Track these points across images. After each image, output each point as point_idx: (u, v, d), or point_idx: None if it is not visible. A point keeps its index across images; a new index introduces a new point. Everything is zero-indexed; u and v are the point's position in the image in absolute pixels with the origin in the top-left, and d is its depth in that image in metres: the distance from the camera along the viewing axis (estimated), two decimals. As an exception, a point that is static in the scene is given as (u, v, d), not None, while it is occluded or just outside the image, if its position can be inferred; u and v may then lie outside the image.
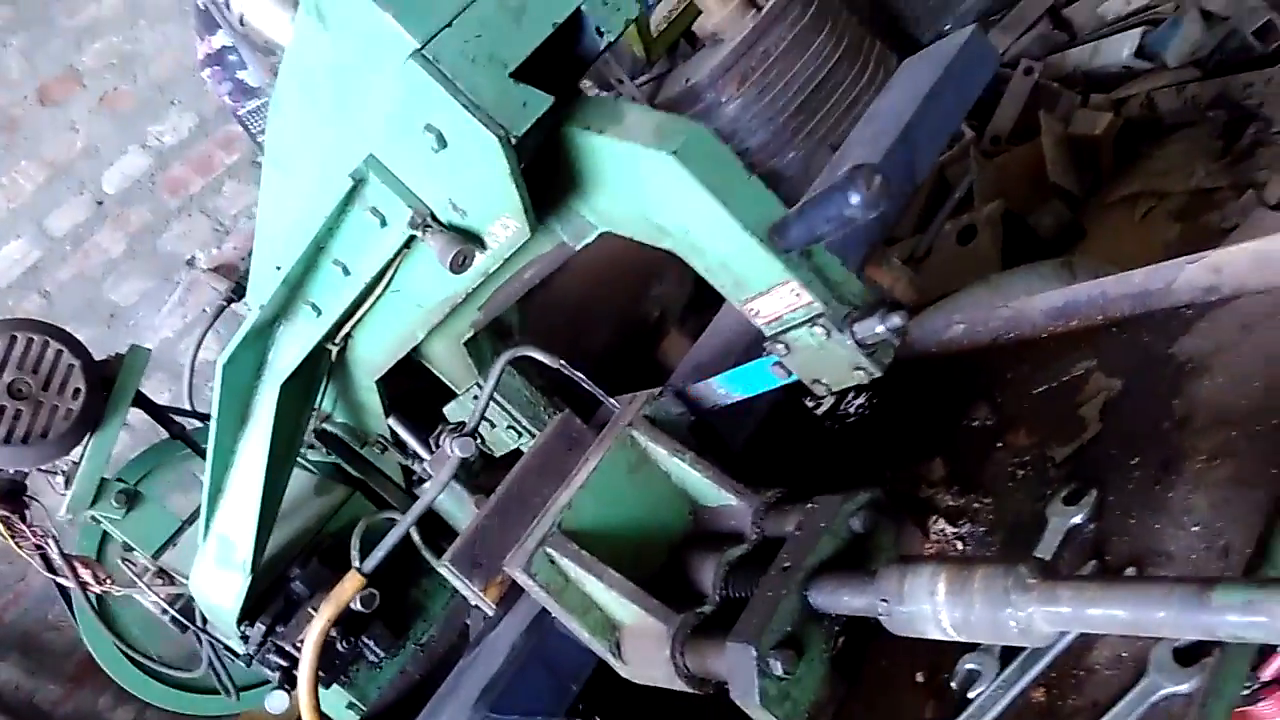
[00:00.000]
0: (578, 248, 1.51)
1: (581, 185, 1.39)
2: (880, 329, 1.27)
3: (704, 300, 3.40)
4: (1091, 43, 3.81)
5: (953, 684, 1.36)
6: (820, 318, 1.30)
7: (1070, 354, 1.61)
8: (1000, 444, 1.60)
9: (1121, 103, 3.49)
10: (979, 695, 1.32)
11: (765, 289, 1.32)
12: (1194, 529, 1.25)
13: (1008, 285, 2.72)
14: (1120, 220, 3.09)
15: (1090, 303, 1.60)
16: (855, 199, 1.12)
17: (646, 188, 1.31)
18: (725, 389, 1.60)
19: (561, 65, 1.32)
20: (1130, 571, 1.27)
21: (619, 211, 1.40)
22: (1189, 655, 1.13)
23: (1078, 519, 1.37)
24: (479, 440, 1.79)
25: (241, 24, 1.52)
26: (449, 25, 1.17)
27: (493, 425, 1.93)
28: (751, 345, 1.89)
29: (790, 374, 1.43)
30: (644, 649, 1.39)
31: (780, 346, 1.39)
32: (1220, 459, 1.29)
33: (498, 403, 1.87)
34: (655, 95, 3.79)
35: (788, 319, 1.34)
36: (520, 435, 1.95)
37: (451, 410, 1.97)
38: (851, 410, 1.90)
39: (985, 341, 1.76)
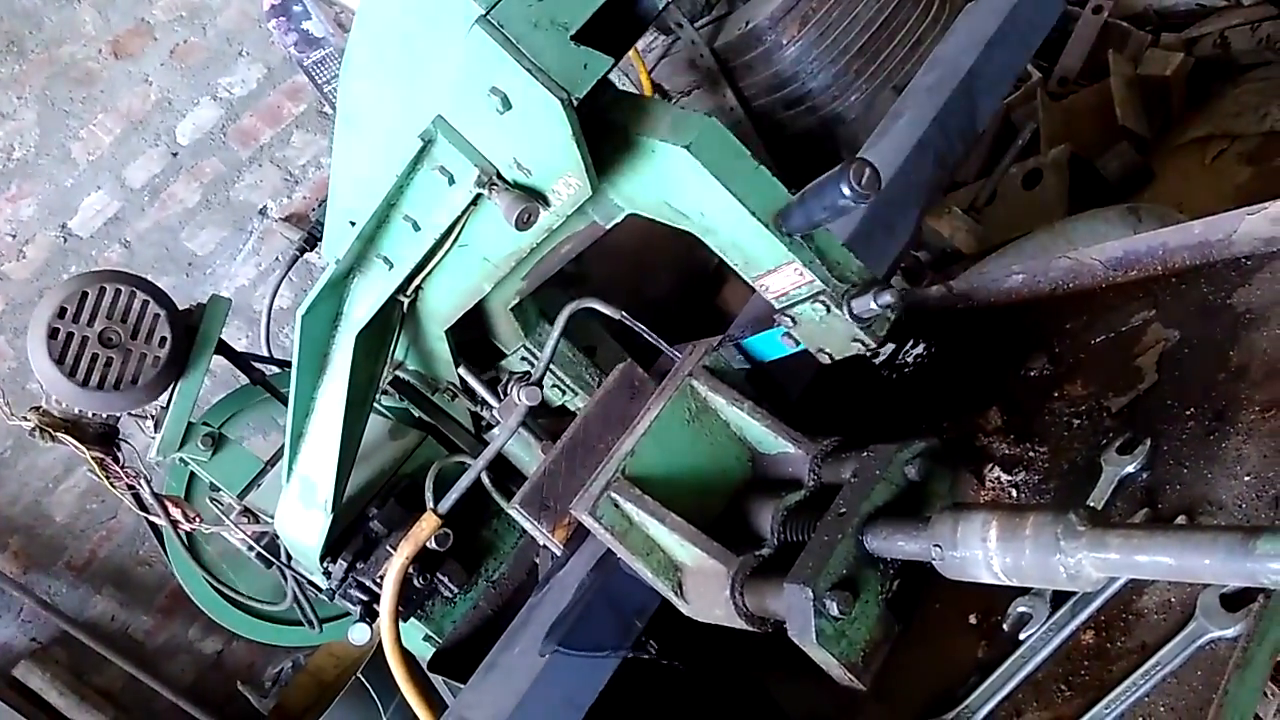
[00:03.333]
0: (608, 227, 1.62)
1: (610, 173, 1.47)
2: (873, 306, 1.41)
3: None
4: (1164, -22, 3.69)
5: (1005, 626, 1.40)
6: (821, 294, 1.44)
7: (1129, 304, 1.62)
8: (1057, 393, 1.62)
9: (1193, 42, 3.37)
10: (1030, 637, 1.36)
11: (772, 267, 1.46)
12: (1246, 479, 1.26)
13: (1073, 231, 2.68)
14: (1190, 163, 3.02)
15: (1150, 253, 1.60)
16: (847, 191, 1.25)
17: (665, 177, 1.43)
18: (742, 355, 1.73)
19: (621, 25, 1.35)
20: (1181, 520, 1.29)
21: (642, 197, 1.51)
22: (1236, 601, 1.16)
23: (1131, 468, 1.39)
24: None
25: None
26: (513, -10, 1.22)
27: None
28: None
29: (798, 343, 1.57)
30: (705, 589, 1.45)
31: (788, 319, 1.52)
32: (1275, 409, 1.30)
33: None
34: (715, 38, 3.76)
35: (793, 295, 1.48)
36: (564, 393, 2.03)
37: (505, 365, 2.04)
38: (909, 359, 1.92)
39: (1044, 291, 1.77)
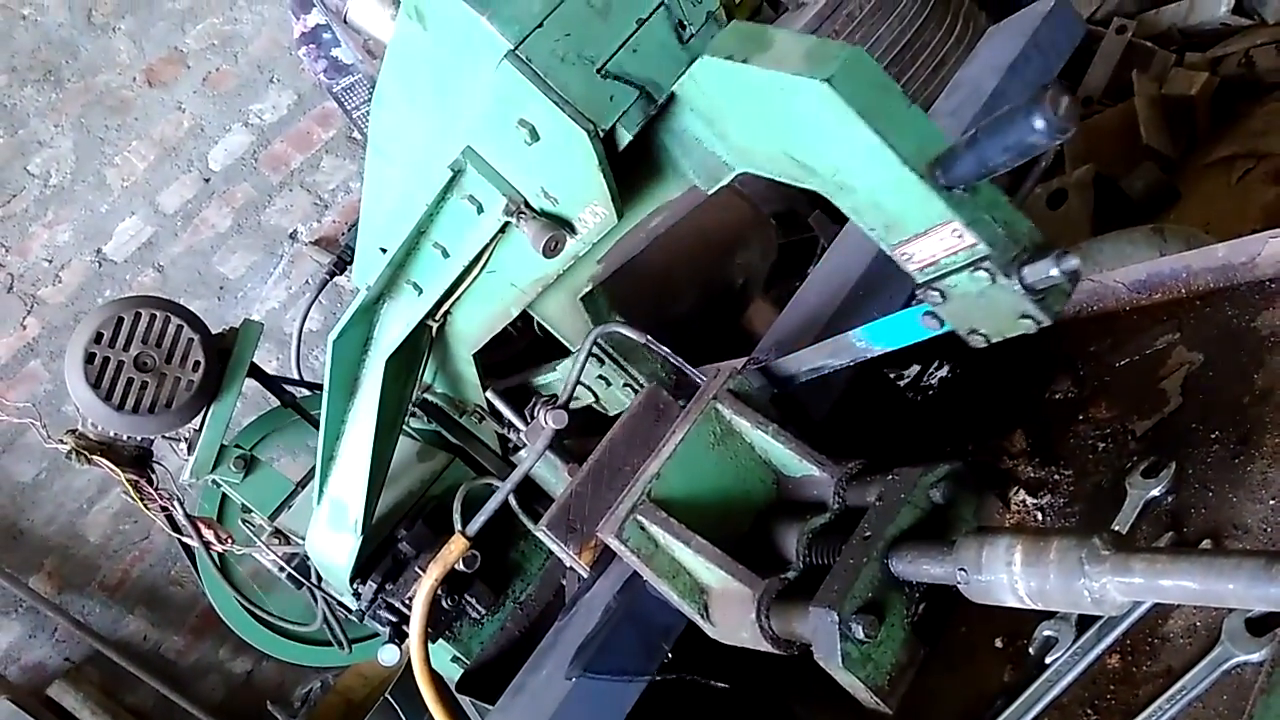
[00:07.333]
0: (710, 192, 1.43)
1: (718, 121, 1.31)
2: (1054, 272, 1.15)
3: (788, 268, 3.43)
4: (1187, -1, 3.69)
5: (1030, 649, 1.40)
6: (985, 260, 1.17)
7: (1153, 327, 1.62)
8: (1082, 417, 1.62)
9: (1218, 61, 3.37)
10: (1056, 660, 1.36)
11: (923, 230, 1.20)
12: (1271, 502, 1.26)
13: (1097, 252, 2.67)
14: (1216, 183, 3.01)
15: (1174, 276, 1.60)
16: (1040, 123, 0.99)
17: (794, 120, 1.20)
18: (866, 342, 1.50)
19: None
20: (1206, 544, 1.29)
21: (761, 148, 1.30)
22: (1261, 625, 1.16)
23: (1156, 491, 1.39)
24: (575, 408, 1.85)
25: (345, 20, 1.61)
26: (540, 26, 1.24)
27: (608, 384, 1.96)
28: (835, 317, 1.93)
29: (943, 324, 1.32)
30: (731, 611, 1.46)
31: (935, 294, 1.26)
32: (1300, 433, 1.30)
33: (617, 362, 1.91)
34: (739, 62, 3.78)
35: (946, 263, 1.21)
36: (609, 384, 1.97)
37: (536, 384, 2.04)
38: (934, 381, 1.93)
39: (1068, 314, 1.77)
